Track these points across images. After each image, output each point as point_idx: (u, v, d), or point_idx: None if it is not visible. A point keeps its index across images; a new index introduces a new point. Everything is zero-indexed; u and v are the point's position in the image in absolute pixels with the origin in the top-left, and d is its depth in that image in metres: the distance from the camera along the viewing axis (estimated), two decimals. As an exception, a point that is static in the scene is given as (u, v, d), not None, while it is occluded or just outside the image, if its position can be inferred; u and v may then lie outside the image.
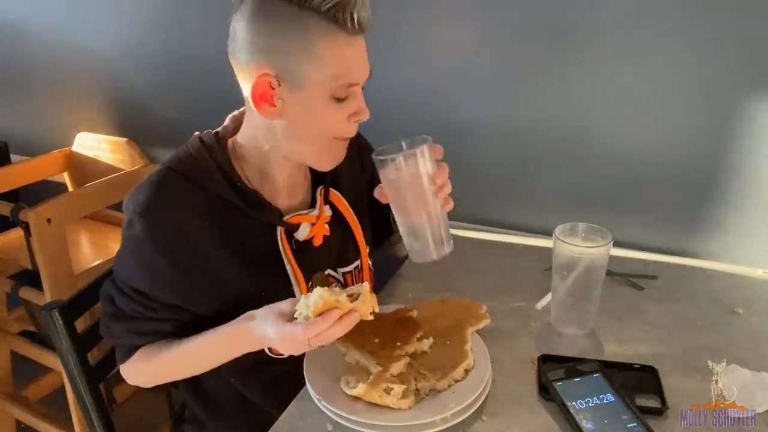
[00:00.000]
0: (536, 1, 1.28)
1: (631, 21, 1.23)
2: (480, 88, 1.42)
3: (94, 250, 1.81)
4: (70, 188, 1.95)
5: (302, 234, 0.94)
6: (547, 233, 1.08)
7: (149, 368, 0.92)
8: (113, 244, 1.79)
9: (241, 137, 0.92)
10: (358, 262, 1.04)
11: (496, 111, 1.42)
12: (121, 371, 0.95)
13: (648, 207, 1.36)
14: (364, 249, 1.04)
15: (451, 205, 0.86)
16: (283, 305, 0.79)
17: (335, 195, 1.00)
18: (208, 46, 1.71)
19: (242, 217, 0.89)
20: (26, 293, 1.63)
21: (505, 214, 1.47)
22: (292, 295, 0.93)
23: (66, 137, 1.95)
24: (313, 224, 0.95)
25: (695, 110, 1.25)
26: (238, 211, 0.89)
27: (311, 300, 0.74)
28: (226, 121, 0.96)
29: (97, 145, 1.87)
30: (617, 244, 1.02)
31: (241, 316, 0.83)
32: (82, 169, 1.90)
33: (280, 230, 0.91)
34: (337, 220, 1.00)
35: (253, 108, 0.83)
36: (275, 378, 0.96)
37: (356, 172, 1.08)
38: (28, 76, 2.07)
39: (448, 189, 0.85)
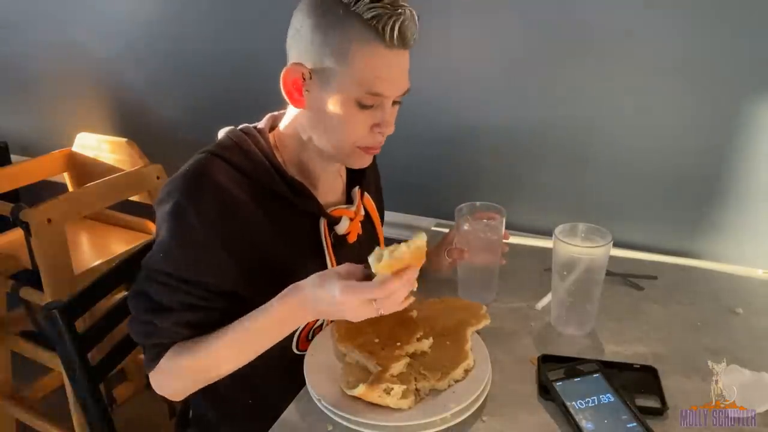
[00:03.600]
0: (541, 4, 1.28)
1: (633, 24, 1.23)
2: (482, 90, 1.42)
3: (94, 250, 1.80)
4: (70, 188, 1.95)
5: (342, 228, 0.96)
6: (547, 233, 1.08)
7: (183, 366, 0.85)
8: (113, 244, 1.79)
9: (283, 128, 0.94)
10: None
11: (497, 112, 1.42)
12: (151, 379, 0.88)
13: (648, 207, 1.36)
14: None
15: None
16: (343, 268, 0.78)
17: (367, 198, 1.03)
18: (207, 46, 1.71)
19: (286, 205, 0.90)
20: (26, 293, 1.63)
21: (505, 214, 1.49)
22: None
23: (66, 137, 1.94)
24: (351, 220, 0.97)
25: (695, 111, 1.25)
26: (282, 199, 0.89)
27: (397, 253, 0.73)
28: (263, 120, 0.97)
29: (97, 145, 1.86)
30: (617, 244, 1.02)
31: (286, 290, 0.80)
32: (82, 169, 1.90)
33: (323, 222, 0.93)
34: (367, 222, 1.03)
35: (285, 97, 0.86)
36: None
37: (377, 182, 1.14)
38: (28, 76, 2.07)
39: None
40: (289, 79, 0.85)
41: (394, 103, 0.87)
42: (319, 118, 0.86)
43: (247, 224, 0.86)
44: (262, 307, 0.81)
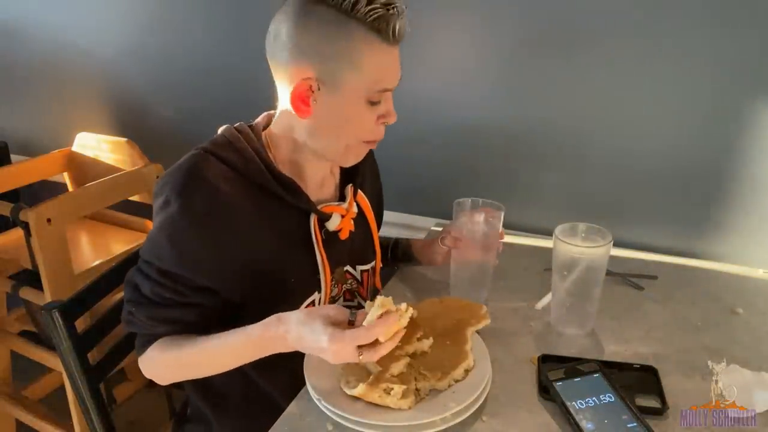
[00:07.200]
0: (540, 5, 1.28)
1: (632, 24, 1.23)
2: (482, 90, 1.42)
3: (94, 250, 1.80)
4: (70, 188, 1.94)
5: (333, 224, 0.97)
6: (547, 233, 1.08)
7: (167, 361, 0.90)
8: (113, 244, 1.79)
9: (275, 128, 0.95)
10: (374, 263, 1.08)
11: (497, 112, 1.42)
12: (139, 363, 0.93)
13: (648, 207, 1.36)
14: (380, 250, 1.09)
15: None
16: (331, 311, 0.79)
17: (361, 195, 1.04)
18: (207, 46, 1.71)
19: (277, 202, 0.91)
20: (26, 293, 1.63)
21: (505, 214, 1.49)
22: (318, 283, 0.95)
23: (66, 137, 1.94)
24: (342, 216, 0.98)
25: (695, 111, 1.25)
26: (273, 196, 0.91)
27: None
28: (260, 117, 0.99)
29: (97, 145, 1.86)
30: (617, 244, 1.02)
31: (270, 318, 0.82)
32: (82, 169, 1.90)
33: (313, 218, 0.94)
34: (361, 219, 1.04)
35: (289, 106, 0.88)
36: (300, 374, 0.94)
37: (374, 180, 1.15)
38: (28, 76, 2.07)
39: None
40: (296, 93, 0.86)
41: None
42: (325, 123, 0.89)
43: (236, 221, 0.87)
44: (245, 328, 0.84)
